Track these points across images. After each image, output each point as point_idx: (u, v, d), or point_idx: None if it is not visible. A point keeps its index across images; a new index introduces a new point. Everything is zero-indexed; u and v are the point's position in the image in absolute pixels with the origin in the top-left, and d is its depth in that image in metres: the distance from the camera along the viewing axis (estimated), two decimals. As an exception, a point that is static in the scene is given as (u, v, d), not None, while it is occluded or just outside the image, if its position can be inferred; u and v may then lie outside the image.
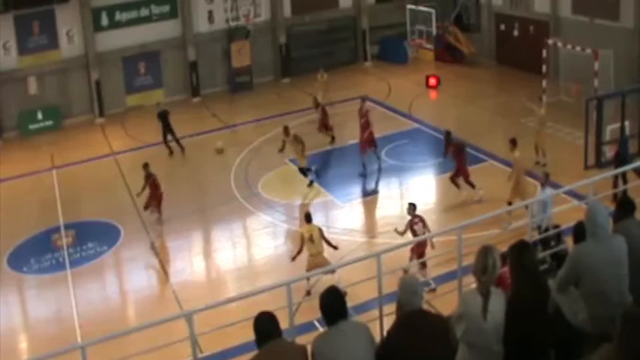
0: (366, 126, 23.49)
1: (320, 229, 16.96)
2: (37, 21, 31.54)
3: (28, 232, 21.63)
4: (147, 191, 21.24)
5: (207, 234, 21.56)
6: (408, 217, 17.09)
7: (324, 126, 26.09)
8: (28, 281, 19.65)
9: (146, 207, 21.36)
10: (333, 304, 5.81)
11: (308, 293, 15.74)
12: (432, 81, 31.60)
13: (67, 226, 21.74)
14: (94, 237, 20.98)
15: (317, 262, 16.33)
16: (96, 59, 31.97)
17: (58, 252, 20.47)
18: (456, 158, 20.98)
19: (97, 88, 31.85)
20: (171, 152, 26.22)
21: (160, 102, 27.98)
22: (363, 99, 25.04)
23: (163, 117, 26.18)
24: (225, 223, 21.71)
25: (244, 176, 24.14)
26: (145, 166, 21.47)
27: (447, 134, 21.36)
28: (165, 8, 33.18)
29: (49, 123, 30.70)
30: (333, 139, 26.01)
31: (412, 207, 17.18)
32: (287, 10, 35.24)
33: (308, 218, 17.13)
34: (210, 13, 34.07)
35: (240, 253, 20.26)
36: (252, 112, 30.02)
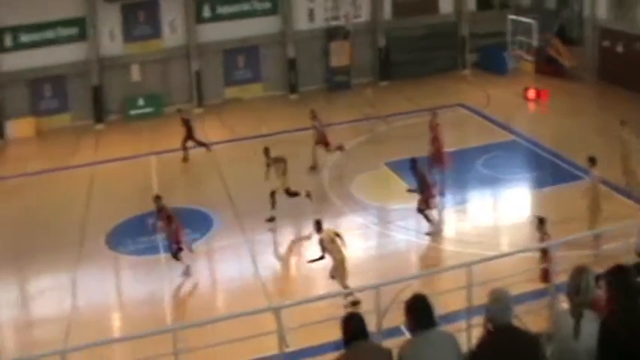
0: (432, 142, 22.15)
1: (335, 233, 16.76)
2: (142, 10, 32.46)
3: (126, 214, 22.27)
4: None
5: (298, 231, 21.73)
6: (538, 232, 15.99)
7: (325, 143, 24.60)
8: (124, 261, 20.26)
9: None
10: (422, 312, 5.82)
11: (353, 303, 15.52)
12: (531, 93, 31.07)
13: (163, 212, 22.25)
14: (187, 224, 21.26)
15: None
16: (197, 50, 32.65)
17: (153, 236, 20.98)
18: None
19: (196, 78, 32.54)
20: (186, 159, 26.10)
21: (180, 109, 27.89)
22: (434, 112, 23.26)
23: (186, 123, 26.22)
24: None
25: (337, 176, 24.25)
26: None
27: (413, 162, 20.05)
28: (267, 4, 33.60)
29: (149, 110, 31.56)
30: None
31: (541, 221, 16.06)
32: (387, 12, 35.26)
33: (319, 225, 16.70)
34: (311, 11, 34.37)
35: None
36: (349, 113, 30.13)
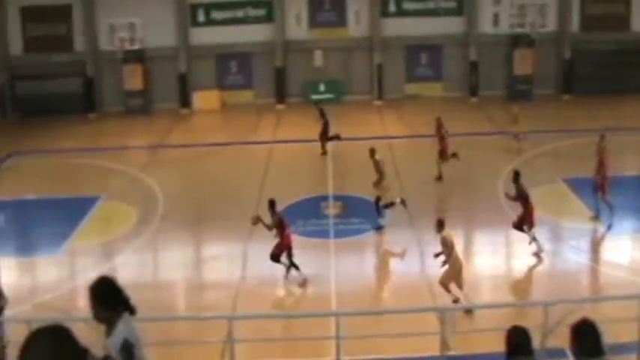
0: (597, 167, 20.88)
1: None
2: (327, -3, 33.13)
3: (300, 194, 22.81)
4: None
5: (468, 235, 21.57)
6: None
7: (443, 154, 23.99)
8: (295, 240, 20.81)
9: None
10: (589, 338, 5.65)
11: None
12: None
13: (335, 197, 22.71)
14: (359, 213, 21.70)
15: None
16: (380, 43, 32.94)
17: (325, 220, 21.44)
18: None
19: (378, 71, 32.84)
20: (324, 152, 26.17)
21: (317, 101, 27.88)
22: (602, 134, 21.88)
23: (323, 115, 26.21)
24: (489, 228, 21.60)
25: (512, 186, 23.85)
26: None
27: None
28: (452, 4, 33.42)
29: (330, 96, 32.18)
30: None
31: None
32: (575, 24, 34.22)
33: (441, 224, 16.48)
34: (496, 15, 33.92)
35: (500, 262, 20.09)
36: (528, 123, 29.53)
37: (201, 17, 33.53)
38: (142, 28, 32.58)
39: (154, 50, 33.02)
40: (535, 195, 22.89)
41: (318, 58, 33.03)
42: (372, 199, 21.82)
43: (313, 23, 33.61)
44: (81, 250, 21.50)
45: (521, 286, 18.48)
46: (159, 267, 20.23)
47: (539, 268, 19.06)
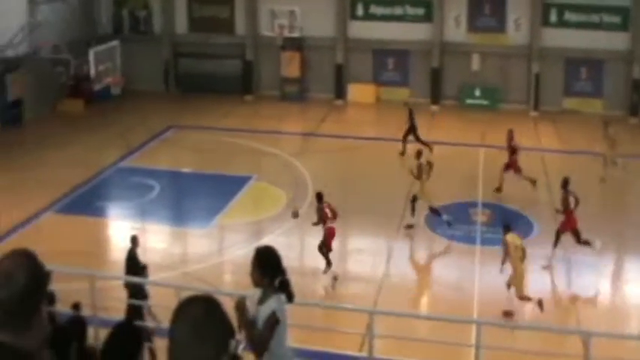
0: None
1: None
2: (488, 2, 32.62)
3: (449, 197, 22.65)
4: None
5: (622, 258, 20.86)
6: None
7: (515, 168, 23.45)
8: (439, 243, 20.75)
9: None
10: None
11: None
12: None
13: (484, 205, 22.45)
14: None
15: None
16: (539, 53, 32.24)
17: (472, 226, 21.25)
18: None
19: (535, 81, 32.15)
20: (403, 152, 25.86)
21: (407, 102, 27.66)
22: None
23: (412, 116, 25.92)
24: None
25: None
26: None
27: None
28: (617, 19, 32.15)
29: (485, 102, 31.80)
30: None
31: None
32: None
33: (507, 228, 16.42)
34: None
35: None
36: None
37: (360, 11, 33.80)
38: (302, 17, 33.14)
39: (312, 39, 33.54)
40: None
41: (476, 62, 32.67)
42: (518, 208, 21.59)
43: (472, 27, 33.25)
44: (230, 226, 22.19)
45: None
46: (304, 252, 20.57)
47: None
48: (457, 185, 23.73)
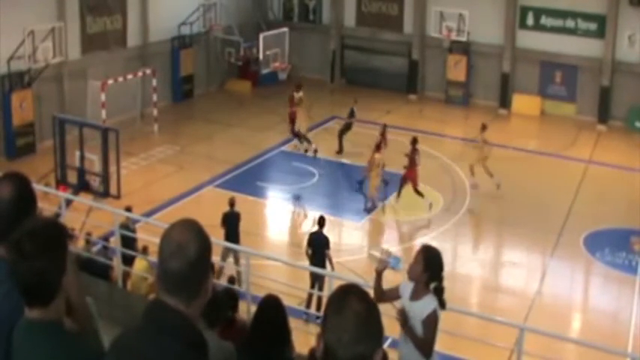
0: None
1: None
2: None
3: (610, 222, 22.03)
4: None
5: None
6: None
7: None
8: (597, 268, 20.22)
9: None
10: None
11: None
12: None
13: (647, 234, 21.70)
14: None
15: None
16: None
17: (633, 255, 20.59)
18: None
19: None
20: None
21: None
22: None
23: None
24: None
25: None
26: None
27: None
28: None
29: (653, 126, 30.65)
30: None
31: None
32: None
33: None
34: None
35: None
36: None
37: (530, 20, 33.15)
38: (470, 21, 32.84)
39: (479, 45, 33.20)
40: None
41: (647, 85, 31.44)
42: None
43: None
44: (384, 222, 22.46)
45: None
46: (457, 257, 20.59)
47: None
48: (619, 210, 23.02)
